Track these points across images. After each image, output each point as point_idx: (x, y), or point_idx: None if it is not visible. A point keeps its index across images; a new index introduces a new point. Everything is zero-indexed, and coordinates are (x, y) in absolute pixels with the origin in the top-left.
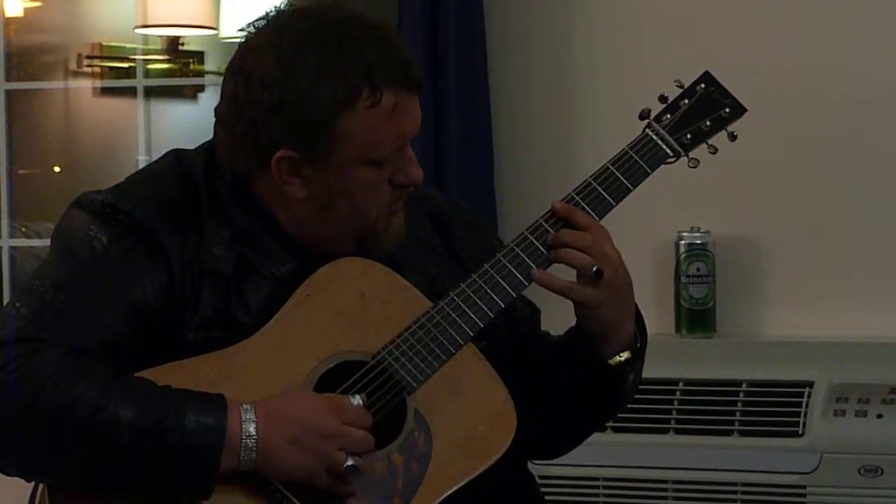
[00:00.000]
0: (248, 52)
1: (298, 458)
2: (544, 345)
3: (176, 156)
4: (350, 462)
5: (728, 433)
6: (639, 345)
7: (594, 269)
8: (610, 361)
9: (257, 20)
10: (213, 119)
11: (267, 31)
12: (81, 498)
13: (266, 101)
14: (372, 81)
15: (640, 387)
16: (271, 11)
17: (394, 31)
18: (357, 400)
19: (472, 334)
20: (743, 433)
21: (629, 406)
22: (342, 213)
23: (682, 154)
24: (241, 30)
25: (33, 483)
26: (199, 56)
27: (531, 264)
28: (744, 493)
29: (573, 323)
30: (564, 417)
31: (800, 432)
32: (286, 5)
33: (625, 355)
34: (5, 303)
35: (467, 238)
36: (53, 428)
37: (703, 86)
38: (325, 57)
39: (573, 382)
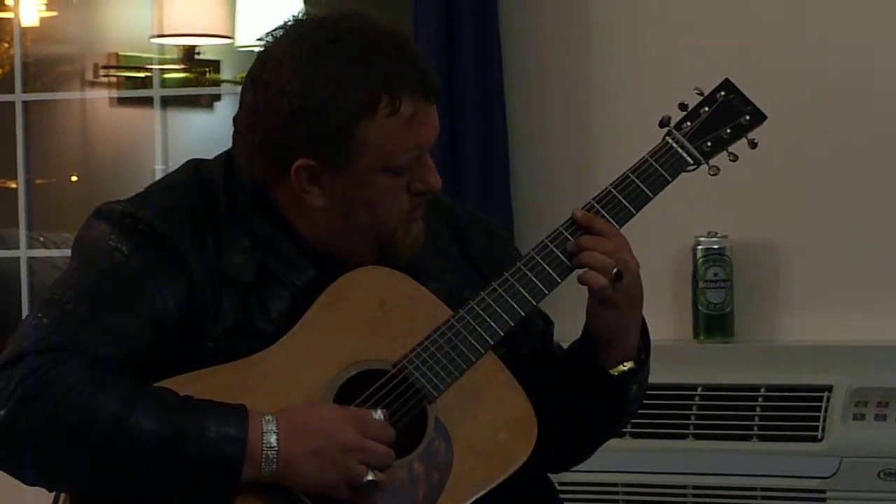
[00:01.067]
0: (267, 62)
1: (319, 470)
2: (555, 357)
3: (195, 165)
4: (370, 477)
5: (747, 438)
6: (643, 356)
7: (615, 270)
8: (613, 371)
9: (275, 29)
10: (230, 128)
11: (286, 41)
12: None
13: (286, 110)
14: (391, 90)
15: (659, 392)
16: (289, 21)
17: (412, 40)
18: (379, 414)
19: (492, 343)
20: (762, 438)
21: (648, 412)
22: (361, 221)
23: (703, 162)
24: (260, 39)
25: (54, 493)
26: (215, 65)
27: (552, 272)
28: (763, 497)
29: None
30: (572, 428)
31: (819, 437)
32: (304, 14)
33: (628, 365)
34: (25, 313)
35: (484, 247)
36: (75, 438)
37: (723, 93)
38: (345, 66)
39: (578, 392)
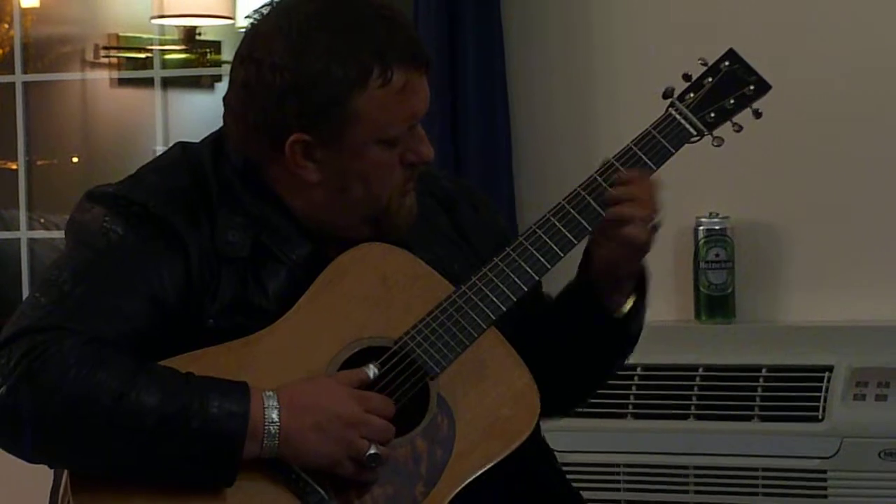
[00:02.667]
0: (256, 38)
1: (321, 444)
2: (548, 305)
3: (182, 147)
4: (372, 450)
5: (748, 419)
6: (644, 289)
7: (654, 222)
8: (623, 308)
9: (263, 6)
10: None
11: (274, 17)
12: (104, 485)
13: (278, 85)
14: (383, 61)
15: (660, 373)
16: None
17: (400, 11)
18: (372, 370)
19: (494, 319)
20: (763, 418)
21: (649, 392)
22: (356, 195)
23: (706, 133)
24: (248, 17)
25: (55, 471)
26: (215, 46)
27: (554, 247)
28: (764, 478)
29: None
30: (575, 370)
31: (820, 417)
32: None
33: (630, 301)
34: (25, 295)
35: (473, 218)
36: (77, 415)
37: (727, 63)
38: (336, 38)
39: (582, 335)
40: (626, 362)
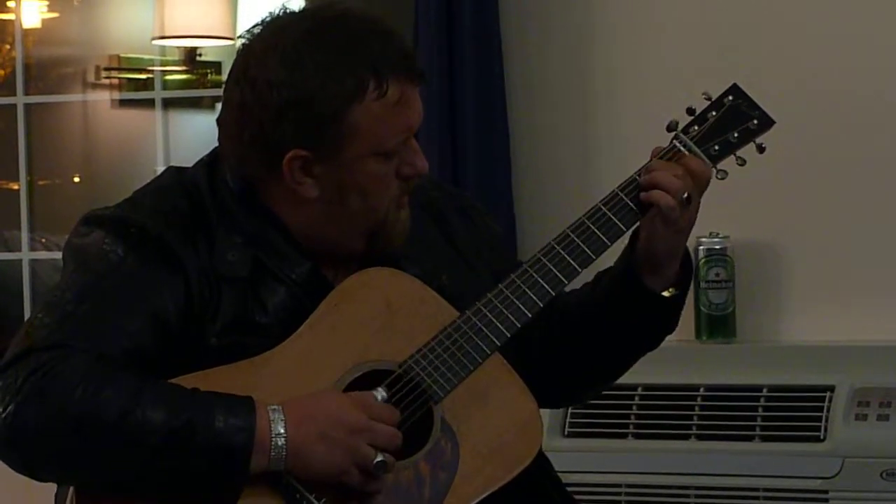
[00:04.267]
0: (250, 57)
1: (328, 454)
2: (574, 295)
3: (176, 171)
4: (380, 458)
5: (749, 438)
6: (684, 283)
7: (685, 194)
8: (665, 293)
9: (255, 25)
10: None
11: (267, 35)
12: (111, 501)
13: (274, 102)
14: (378, 74)
15: (661, 392)
16: (266, 17)
17: (393, 26)
18: (380, 393)
19: (498, 345)
20: (764, 438)
21: (650, 412)
22: (353, 209)
23: (710, 165)
24: (241, 37)
25: (57, 488)
26: (216, 66)
27: (557, 273)
28: (766, 498)
29: None
30: (603, 353)
31: (821, 437)
32: (281, 9)
33: (672, 291)
34: (27, 315)
35: (462, 227)
36: (83, 432)
37: (730, 98)
38: (331, 53)
39: (617, 316)
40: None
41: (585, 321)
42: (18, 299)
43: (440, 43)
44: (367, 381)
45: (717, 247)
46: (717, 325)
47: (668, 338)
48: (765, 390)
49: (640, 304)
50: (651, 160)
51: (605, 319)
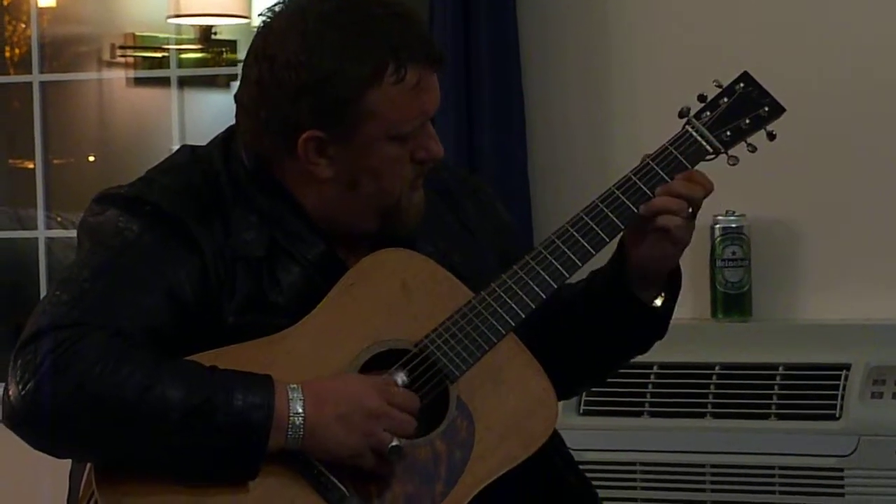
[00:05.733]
0: (269, 36)
1: (345, 436)
2: (575, 288)
3: (191, 149)
4: (395, 443)
5: (765, 417)
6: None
7: (689, 210)
8: (656, 302)
9: (276, 4)
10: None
11: (288, 14)
12: (129, 478)
13: (292, 82)
14: (397, 58)
15: (677, 371)
16: None
17: (413, 9)
18: (401, 377)
19: (513, 325)
20: (780, 417)
21: (666, 391)
22: (368, 191)
23: (722, 151)
24: (261, 14)
25: (71, 463)
26: (231, 45)
27: (572, 256)
28: (781, 476)
29: None
30: (594, 354)
31: (837, 415)
32: None
33: (661, 297)
34: (43, 293)
35: (474, 209)
36: (102, 410)
37: (741, 85)
38: (350, 36)
39: (609, 322)
40: (648, 350)
41: (575, 317)
42: (34, 277)
43: (456, 30)
44: (383, 360)
45: (734, 225)
46: (733, 304)
47: (684, 316)
48: (780, 368)
49: (631, 313)
50: (665, 147)
51: (594, 321)
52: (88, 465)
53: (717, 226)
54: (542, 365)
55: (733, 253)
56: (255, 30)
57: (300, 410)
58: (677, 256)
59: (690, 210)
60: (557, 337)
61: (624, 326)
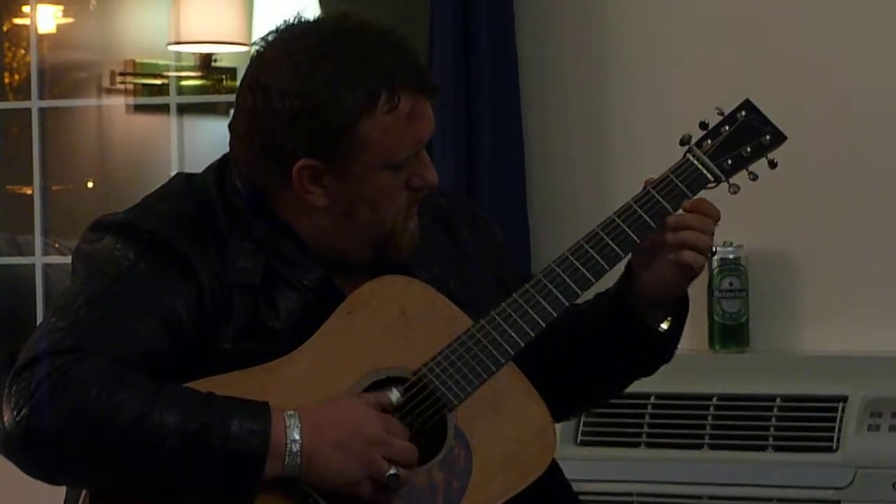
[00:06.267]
0: (263, 64)
1: (343, 463)
2: (576, 313)
3: (186, 177)
4: (392, 471)
5: (762, 448)
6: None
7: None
8: (661, 327)
9: (269, 33)
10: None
11: (281, 43)
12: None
13: (286, 111)
14: (390, 86)
15: (674, 402)
16: (281, 25)
17: (406, 38)
18: (395, 394)
19: (512, 354)
20: (777, 448)
21: (663, 421)
22: (362, 219)
23: (723, 179)
24: (254, 44)
25: (66, 490)
26: (231, 72)
27: (572, 284)
28: None
29: None
30: (597, 376)
31: (834, 447)
32: (296, 18)
33: (667, 322)
34: (40, 320)
35: (471, 235)
36: (98, 436)
37: (743, 113)
38: (343, 64)
39: (614, 345)
40: (654, 372)
41: (579, 340)
42: (31, 303)
43: (456, 53)
44: (381, 388)
45: (731, 256)
46: (731, 335)
47: (681, 346)
48: (778, 400)
49: (637, 336)
50: (666, 175)
51: (599, 344)
52: (83, 491)
53: (715, 257)
54: (546, 386)
55: (731, 284)
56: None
57: (297, 437)
58: (688, 285)
59: (714, 249)
60: (562, 358)
61: (629, 349)
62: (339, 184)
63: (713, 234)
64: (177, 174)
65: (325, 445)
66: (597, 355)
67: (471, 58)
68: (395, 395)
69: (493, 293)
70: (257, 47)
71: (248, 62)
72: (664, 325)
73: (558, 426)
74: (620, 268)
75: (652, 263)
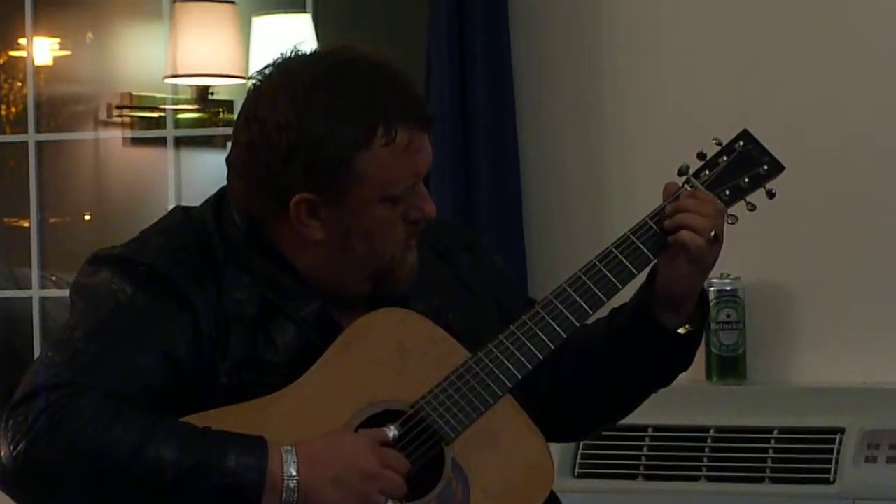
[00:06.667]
0: (260, 98)
1: (340, 498)
2: (590, 332)
3: (183, 210)
4: None
5: (759, 480)
6: (702, 320)
7: (713, 233)
8: (680, 330)
9: (266, 67)
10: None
11: (278, 77)
12: None
13: (282, 145)
14: (387, 120)
15: (671, 434)
16: (278, 58)
17: (403, 70)
18: (392, 431)
19: (510, 387)
20: (774, 480)
21: (660, 454)
22: (359, 253)
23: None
24: (251, 77)
25: None
26: (228, 105)
27: (569, 315)
28: None
29: None
30: (627, 389)
31: (831, 479)
32: (293, 51)
33: (685, 328)
34: (37, 353)
35: (469, 264)
36: (94, 470)
37: (741, 143)
38: (340, 98)
39: (632, 353)
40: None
41: (597, 359)
42: (28, 337)
43: (452, 89)
44: (378, 421)
45: (728, 288)
46: (728, 367)
47: (678, 378)
48: (775, 432)
49: (656, 341)
50: (663, 206)
51: (618, 357)
52: None
53: (712, 288)
54: (564, 406)
55: (728, 315)
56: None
57: (294, 473)
58: (699, 280)
59: (714, 233)
60: (580, 378)
61: (649, 357)
62: (336, 217)
63: (713, 218)
64: (174, 207)
65: (322, 480)
66: (617, 370)
67: (466, 88)
68: (391, 431)
69: (493, 323)
70: (254, 81)
71: (244, 95)
72: (682, 330)
73: (555, 457)
74: (614, 301)
75: (665, 263)
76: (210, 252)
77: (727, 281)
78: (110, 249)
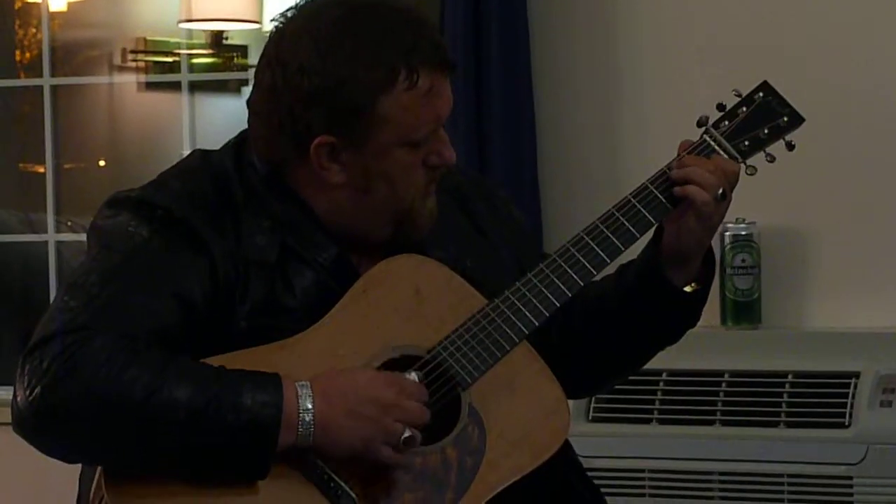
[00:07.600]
0: (282, 41)
1: (357, 430)
2: (600, 287)
3: (203, 154)
4: (407, 433)
5: (774, 425)
6: (708, 277)
7: (720, 190)
8: (686, 289)
9: (288, 9)
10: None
11: (300, 20)
12: (138, 481)
13: (305, 88)
14: (409, 64)
15: (686, 378)
16: (301, 1)
17: (425, 14)
18: (413, 376)
19: (527, 333)
20: (789, 425)
21: (675, 398)
22: (380, 196)
23: (739, 160)
24: (273, 20)
25: (81, 465)
26: (242, 50)
27: (587, 264)
28: (790, 484)
29: None
30: (635, 346)
31: (846, 423)
32: None
33: (692, 286)
34: (52, 297)
35: (487, 213)
36: (110, 413)
37: (761, 94)
38: (363, 42)
39: (651, 313)
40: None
41: (606, 314)
42: (44, 281)
43: (467, 36)
44: (395, 366)
45: (743, 233)
46: (743, 311)
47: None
48: (790, 376)
49: (663, 298)
50: (680, 155)
51: (626, 313)
52: (98, 468)
53: (727, 233)
54: (574, 361)
55: (743, 260)
56: (267, 35)
57: (310, 407)
58: (706, 237)
59: (721, 190)
60: (590, 332)
61: (656, 314)
62: (357, 161)
63: (722, 176)
64: (194, 150)
65: (338, 413)
66: (625, 326)
67: (481, 37)
68: (413, 375)
69: (510, 272)
70: (276, 23)
71: (264, 38)
72: (689, 289)
73: (571, 403)
74: (635, 249)
75: (672, 219)
76: (229, 196)
77: (742, 225)
78: (128, 192)
